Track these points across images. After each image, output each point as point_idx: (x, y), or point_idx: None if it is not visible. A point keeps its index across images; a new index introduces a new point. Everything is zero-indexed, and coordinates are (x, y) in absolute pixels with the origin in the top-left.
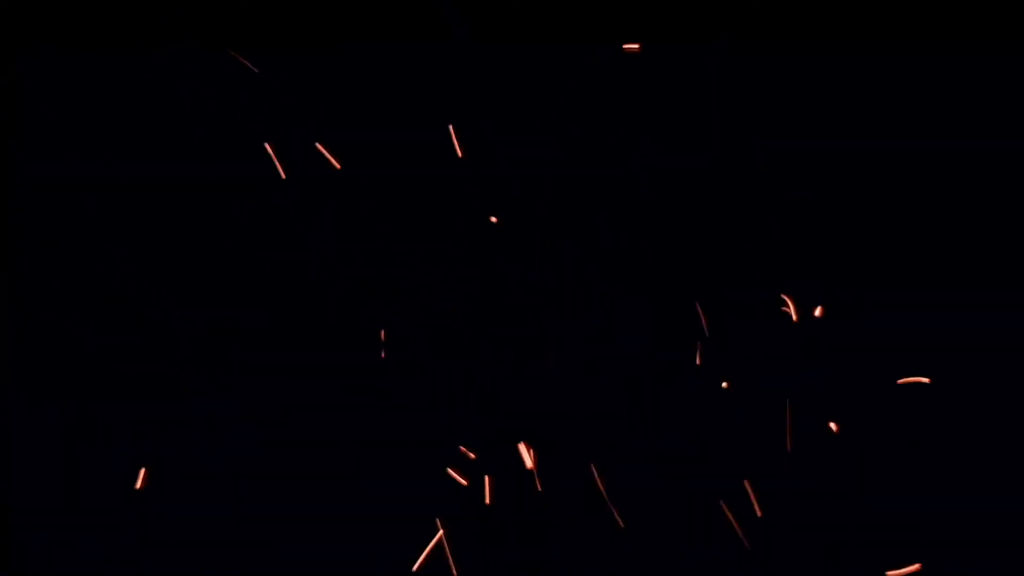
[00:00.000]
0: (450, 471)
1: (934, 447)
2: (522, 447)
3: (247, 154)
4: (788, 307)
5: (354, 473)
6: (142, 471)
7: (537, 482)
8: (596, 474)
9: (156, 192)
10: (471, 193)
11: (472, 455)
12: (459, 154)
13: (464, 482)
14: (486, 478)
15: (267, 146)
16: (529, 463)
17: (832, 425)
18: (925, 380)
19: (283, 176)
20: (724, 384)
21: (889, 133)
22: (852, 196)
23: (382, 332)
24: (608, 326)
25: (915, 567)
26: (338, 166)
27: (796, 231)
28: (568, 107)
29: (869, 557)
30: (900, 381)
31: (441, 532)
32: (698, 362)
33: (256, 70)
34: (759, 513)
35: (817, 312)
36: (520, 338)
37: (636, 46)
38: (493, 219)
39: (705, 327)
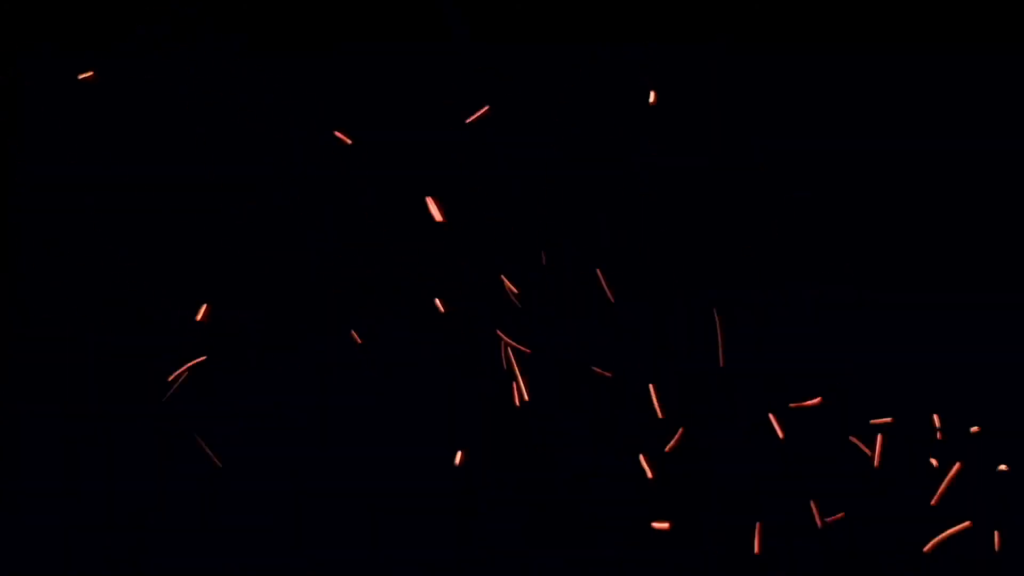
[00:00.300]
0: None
1: (932, 444)
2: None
3: (247, 154)
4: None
5: (354, 472)
6: (204, 306)
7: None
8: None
9: (156, 192)
10: (471, 193)
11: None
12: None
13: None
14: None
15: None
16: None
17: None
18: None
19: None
20: (721, 385)
21: (889, 133)
22: (852, 196)
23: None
24: (608, 326)
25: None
26: (348, 141)
27: (796, 231)
28: (568, 107)
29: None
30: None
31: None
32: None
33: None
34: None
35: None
36: (520, 337)
37: (653, 97)
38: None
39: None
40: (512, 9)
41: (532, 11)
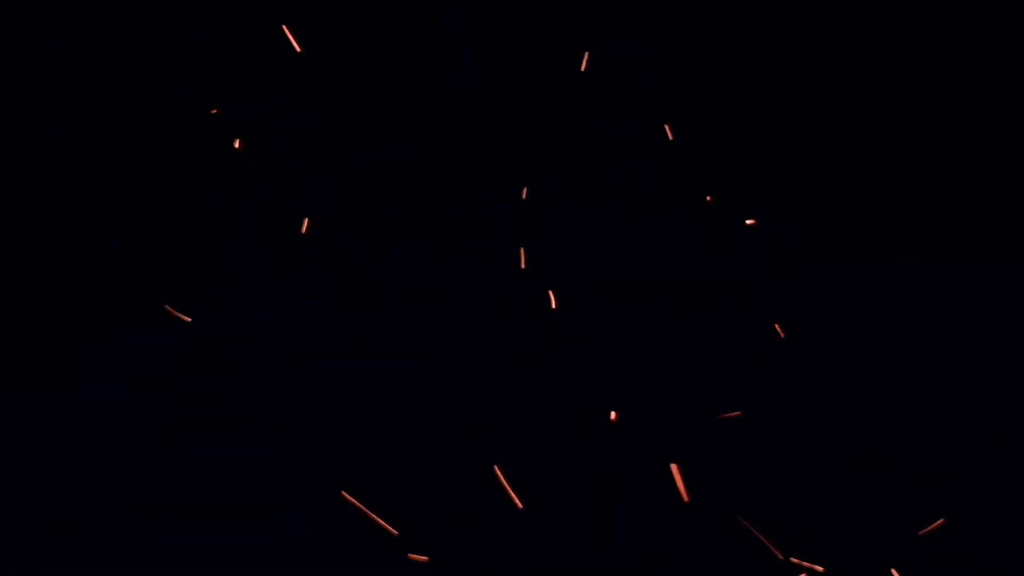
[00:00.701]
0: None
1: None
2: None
3: (247, 154)
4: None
5: (355, 473)
6: (237, 142)
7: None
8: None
9: (155, 192)
10: (470, 193)
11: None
12: (297, 49)
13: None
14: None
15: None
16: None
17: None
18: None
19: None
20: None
21: (889, 133)
22: (851, 196)
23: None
24: (608, 326)
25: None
26: (299, 48)
27: (795, 230)
28: (567, 107)
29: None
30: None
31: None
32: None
33: None
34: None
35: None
36: (520, 335)
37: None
38: None
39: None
40: (512, 9)
41: (532, 11)
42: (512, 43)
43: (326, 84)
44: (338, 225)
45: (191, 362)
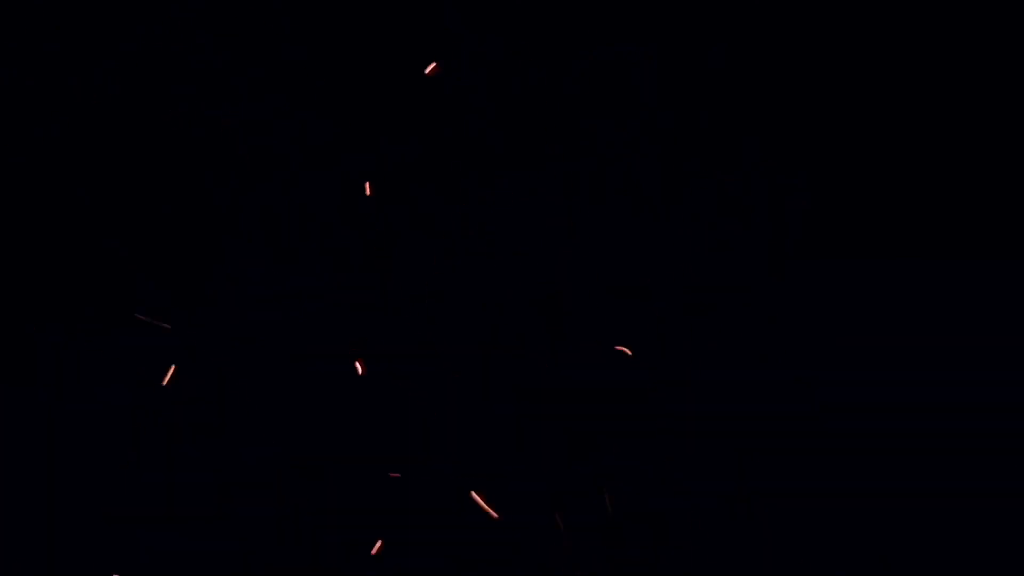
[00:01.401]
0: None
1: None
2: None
3: (247, 155)
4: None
5: (354, 473)
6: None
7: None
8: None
9: (155, 193)
10: (469, 194)
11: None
12: None
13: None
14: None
15: None
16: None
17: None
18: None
19: None
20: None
21: (891, 132)
22: (851, 196)
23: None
24: (608, 326)
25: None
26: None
27: (795, 230)
28: (567, 107)
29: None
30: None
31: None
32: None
33: None
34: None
35: None
36: (520, 335)
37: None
38: None
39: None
40: (512, 9)
41: (532, 11)
42: (512, 43)
43: (326, 84)
44: (338, 225)
45: (191, 362)
